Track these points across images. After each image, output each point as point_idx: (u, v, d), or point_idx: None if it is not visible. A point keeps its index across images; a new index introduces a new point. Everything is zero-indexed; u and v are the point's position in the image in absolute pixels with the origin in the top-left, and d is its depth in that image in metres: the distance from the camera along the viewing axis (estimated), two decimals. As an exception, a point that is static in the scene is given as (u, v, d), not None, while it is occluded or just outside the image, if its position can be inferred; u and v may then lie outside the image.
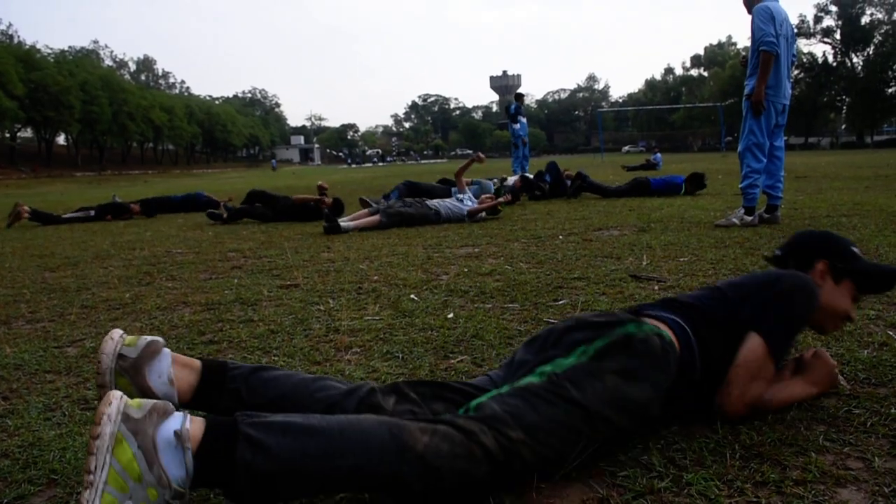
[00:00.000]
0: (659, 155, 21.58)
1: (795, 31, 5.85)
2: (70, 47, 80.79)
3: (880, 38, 63.82)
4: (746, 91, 5.80)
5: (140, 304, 3.62)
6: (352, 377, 2.21)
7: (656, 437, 1.68)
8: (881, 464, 1.52)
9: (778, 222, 5.88)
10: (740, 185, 5.95)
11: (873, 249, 4.22)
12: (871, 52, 63.63)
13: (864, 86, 60.83)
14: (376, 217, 6.91)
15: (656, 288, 3.40)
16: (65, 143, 72.38)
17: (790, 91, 5.86)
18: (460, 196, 7.57)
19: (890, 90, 65.71)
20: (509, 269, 4.15)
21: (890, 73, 64.77)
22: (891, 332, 2.46)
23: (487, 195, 7.80)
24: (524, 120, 16.62)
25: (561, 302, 3.18)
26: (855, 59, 66.78)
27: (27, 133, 67.68)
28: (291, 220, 8.24)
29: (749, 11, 5.75)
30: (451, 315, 3.01)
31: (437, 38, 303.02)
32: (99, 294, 3.97)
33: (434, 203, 7.30)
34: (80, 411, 2.04)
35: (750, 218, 5.83)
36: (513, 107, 16.64)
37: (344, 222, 6.73)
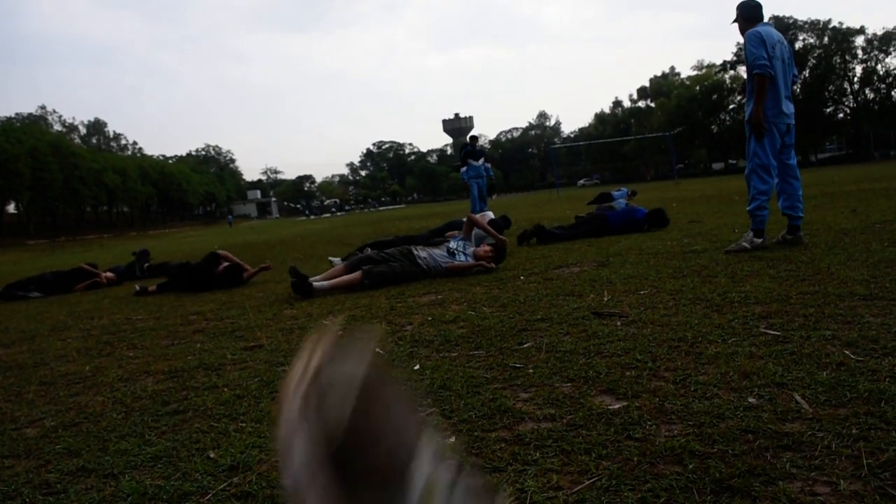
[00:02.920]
0: (625, 190, 21.50)
1: (789, 53, 5.90)
2: (17, 114, 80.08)
3: (814, 61, 66.27)
4: (746, 115, 5.84)
5: (101, 376, 3.55)
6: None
7: (626, 476, 1.69)
8: (846, 486, 1.55)
9: (801, 243, 5.76)
10: (748, 208, 5.86)
11: (825, 269, 4.33)
12: (807, 76, 65.93)
13: (803, 107, 62.93)
14: (357, 275, 6.05)
15: (619, 324, 3.44)
16: (15, 211, 71.11)
17: (792, 109, 5.88)
18: (453, 247, 6.50)
19: (828, 110, 68.12)
20: (473, 314, 4.16)
21: (826, 93, 67.21)
22: (847, 352, 2.51)
23: (489, 245, 6.59)
24: (476, 162, 16.14)
25: (526, 345, 3.20)
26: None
27: (-25, 204, 66.39)
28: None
29: (743, 36, 5.89)
30: (417, 366, 3.00)
31: (388, 85, 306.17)
32: (57, 369, 3.87)
33: (423, 256, 6.37)
34: (41, 497, 1.98)
35: (759, 240, 5.73)
36: (463, 149, 16.46)
37: (317, 282, 5.98)
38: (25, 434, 2.65)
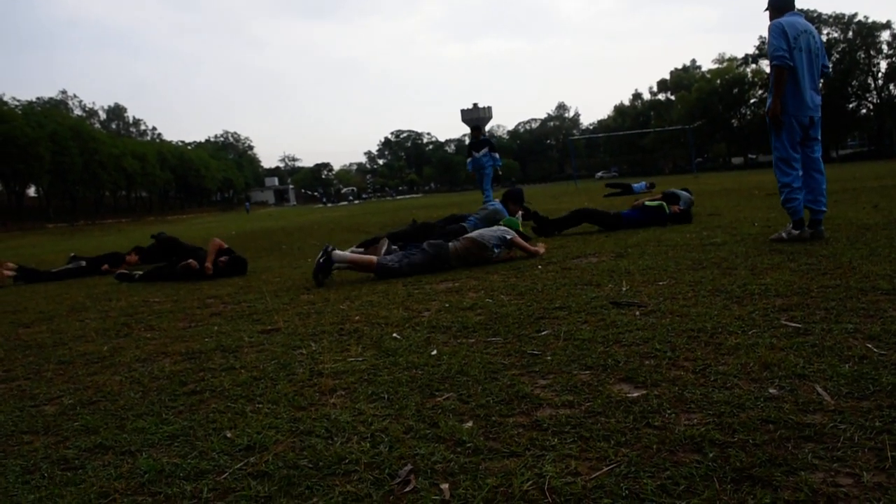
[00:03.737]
0: (644, 183, 21.34)
1: (819, 43, 5.74)
2: (38, 98, 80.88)
3: (838, 56, 65.48)
4: (766, 107, 5.78)
5: (119, 356, 3.57)
6: (338, 422, 2.19)
7: (645, 463, 1.68)
8: (870, 478, 1.53)
9: (822, 237, 5.65)
10: (780, 201, 5.84)
11: (846, 263, 4.28)
12: (830, 71, 65.18)
13: (826, 102, 62.33)
14: (372, 259, 5.88)
15: (637, 314, 3.42)
16: (35, 195, 71.81)
17: (818, 102, 5.73)
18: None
19: (851, 105, 67.32)
20: (490, 302, 4.15)
21: (849, 89, 66.41)
22: (870, 345, 2.48)
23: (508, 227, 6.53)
24: (477, 153, 15.98)
25: (543, 333, 3.18)
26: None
27: (-4, 186, 67.12)
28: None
29: None
30: (434, 352, 3.00)
31: (407, 74, 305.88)
32: (76, 348, 3.90)
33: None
34: (60, 472, 1.99)
35: (797, 231, 5.65)
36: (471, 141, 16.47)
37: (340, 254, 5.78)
38: (44, 411, 2.67)
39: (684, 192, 8.65)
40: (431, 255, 5.95)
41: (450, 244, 6.06)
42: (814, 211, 5.76)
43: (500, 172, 16.27)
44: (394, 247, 6.45)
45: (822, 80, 6.03)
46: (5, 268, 8.66)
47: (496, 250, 6.12)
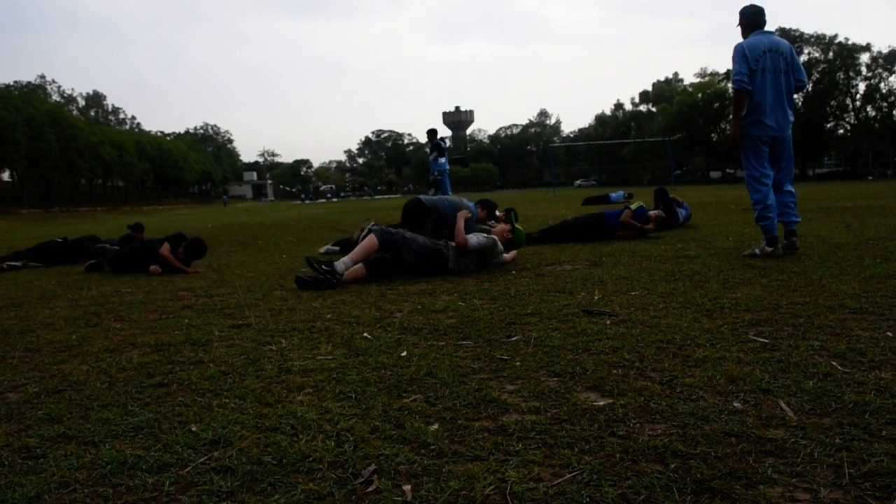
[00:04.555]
0: (622, 193, 21.61)
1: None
2: (16, 82, 79.67)
3: (818, 76, 66.37)
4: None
5: (87, 345, 3.53)
6: (304, 419, 2.18)
7: (607, 472, 1.69)
8: (826, 494, 1.55)
9: (796, 248, 5.85)
10: (754, 218, 6.00)
11: (817, 280, 4.34)
12: (809, 90, 66.05)
13: (804, 120, 63.18)
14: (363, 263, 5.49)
15: (608, 323, 3.44)
16: (10, 180, 70.77)
17: (786, 121, 5.79)
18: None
19: (828, 125, 68.29)
20: (463, 305, 4.15)
21: (828, 109, 67.36)
22: (835, 363, 2.52)
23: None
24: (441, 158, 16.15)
25: (514, 338, 3.20)
26: (796, 96, 69.32)
27: (-30, 170, 66.09)
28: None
29: None
30: (404, 353, 3.00)
31: (390, 74, 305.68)
32: (43, 336, 3.85)
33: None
34: (20, 461, 1.97)
35: (770, 249, 5.73)
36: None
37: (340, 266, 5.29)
38: (7, 398, 2.63)
39: (683, 211, 8.97)
40: (429, 247, 5.59)
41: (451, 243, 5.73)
42: (786, 223, 5.88)
43: (438, 177, 16.05)
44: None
45: (796, 95, 6.13)
46: None
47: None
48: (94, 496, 1.71)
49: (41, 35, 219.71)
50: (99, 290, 5.77)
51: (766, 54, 5.70)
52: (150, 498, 1.69)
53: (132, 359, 3.17)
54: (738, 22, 5.99)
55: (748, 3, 5.95)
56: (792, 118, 5.83)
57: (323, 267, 5.23)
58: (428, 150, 16.09)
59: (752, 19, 5.90)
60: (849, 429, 1.90)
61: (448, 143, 17.78)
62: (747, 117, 5.80)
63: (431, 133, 16.51)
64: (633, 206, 8.17)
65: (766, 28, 5.90)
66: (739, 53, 5.73)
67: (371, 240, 5.46)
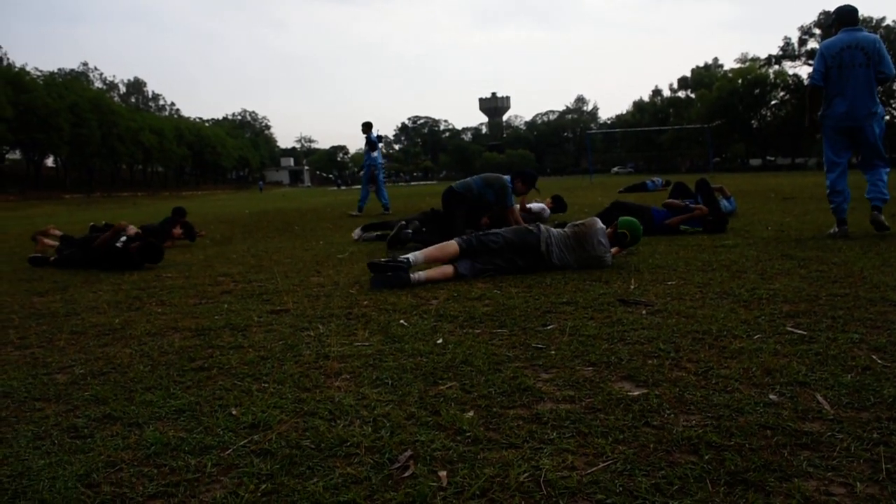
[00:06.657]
0: (660, 180, 21.17)
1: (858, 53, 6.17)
2: (59, 69, 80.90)
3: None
4: None
5: (130, 329, 3.62)
6: (341, 405, 2.22)
7: (641, 461, 1.70)
8: (863, 489, 1.54)
9: (880, 227, 6.15)
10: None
11: (858, 272, 4.27)
12: (887, 74, 64.09)
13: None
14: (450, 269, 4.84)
15: (644, 312, 3.43)
16: (53, 165, 72.20)
17: (862, 112, 6.15)
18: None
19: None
20: (498, 293, 4.17)
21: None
22: (874, 356, 2.49)
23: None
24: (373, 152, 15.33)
25: (549, 327, 3.21)
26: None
27: (15, 155, 67.42)
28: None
29: None
30: (440, 340, 3.03)
31: (427, 60, 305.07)
32: (88, 319, 3.96)
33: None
34: (69, 440, 2.04)
35: (835, 229, 6.29)
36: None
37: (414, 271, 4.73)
38: (56, 379, 2.71)
39: (727, 203, 8.86)
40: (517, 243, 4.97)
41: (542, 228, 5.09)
42: (870, 199, 6.30)
43: (374, 172, 15.36)
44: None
45: (880, 88, 6.64)
46: (49, 236, 7.74)
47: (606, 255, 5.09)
48: (139, 476, 1.77)
49: (84, 22, 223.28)
50: (140, 275, 5.89)
51: (842, 51, 6.16)
52: (193, 479, 1.75)
53: (174, 343, 3.25)
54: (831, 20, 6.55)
55: (843, 3, 6.34)
56: (876, 109, 6.17)
57: (389, 263, 4.66)
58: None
59: (842, 18, 6.34)
60: (887, 423, 1.89)
61: (382, 136, 16.08)
62: (825, 109, 6.32)
63: (366, 126, 15.51)
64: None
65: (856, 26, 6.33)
66: (818, 53, 6.34)
67: (451, 244, 4.94)
